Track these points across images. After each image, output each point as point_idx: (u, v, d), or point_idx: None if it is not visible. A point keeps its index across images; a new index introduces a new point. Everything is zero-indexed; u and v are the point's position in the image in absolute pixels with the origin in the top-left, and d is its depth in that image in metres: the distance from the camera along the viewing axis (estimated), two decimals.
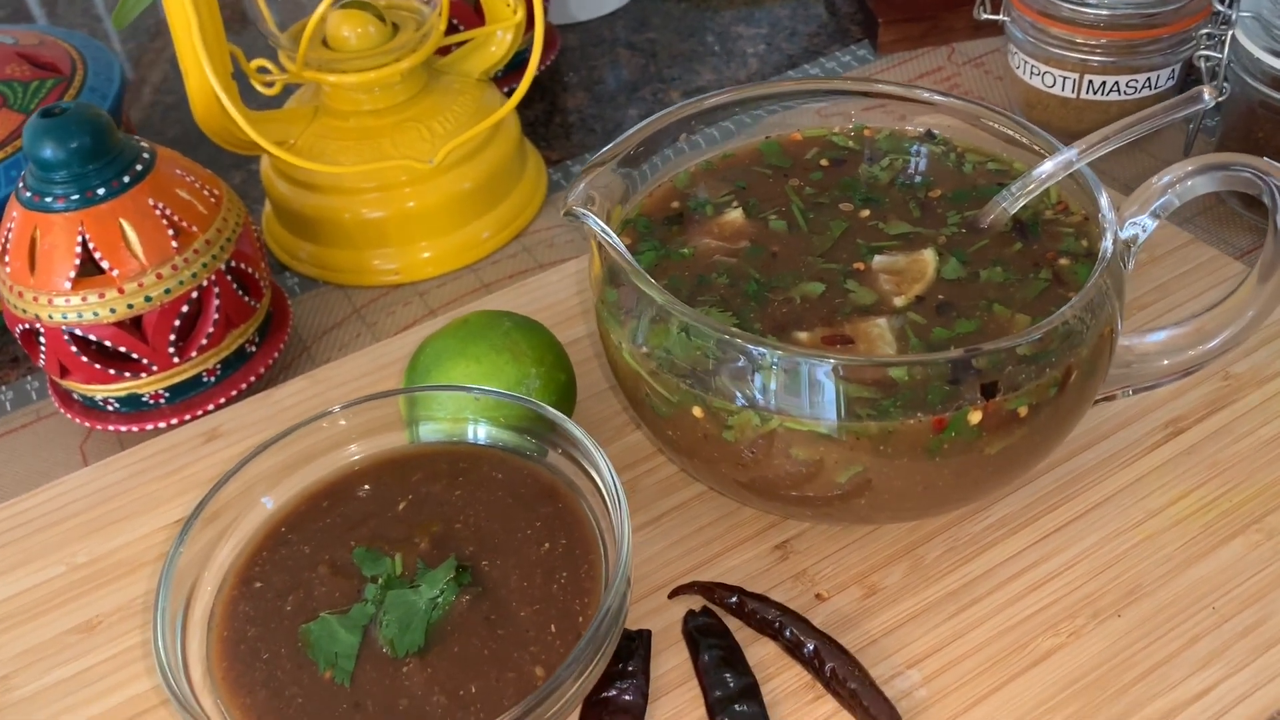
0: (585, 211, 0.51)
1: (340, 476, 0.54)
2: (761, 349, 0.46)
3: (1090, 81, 0.78)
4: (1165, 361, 0.55)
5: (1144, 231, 0.51)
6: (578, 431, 0.51)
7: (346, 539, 0.51)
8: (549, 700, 0.43)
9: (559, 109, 0.95)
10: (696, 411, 0.49)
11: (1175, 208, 0.51)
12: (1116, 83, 0.78)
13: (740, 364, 0.47)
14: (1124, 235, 0.51)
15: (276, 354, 0.71)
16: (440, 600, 0.48)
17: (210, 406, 0.68)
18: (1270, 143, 0.71)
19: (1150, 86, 0.78)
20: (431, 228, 0.79)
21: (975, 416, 0.46)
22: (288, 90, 0.84)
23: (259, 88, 0.77)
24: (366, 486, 0.53)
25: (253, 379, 0.69)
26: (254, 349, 0.70)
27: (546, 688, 0.42)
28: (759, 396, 0.47)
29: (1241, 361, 0.63)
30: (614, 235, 0.50)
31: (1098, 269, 0.48)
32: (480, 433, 0.55)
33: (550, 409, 0.52)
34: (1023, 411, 0.47)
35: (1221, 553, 0.54)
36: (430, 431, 0.55)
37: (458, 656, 0.46)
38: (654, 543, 0.57)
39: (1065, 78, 0.79)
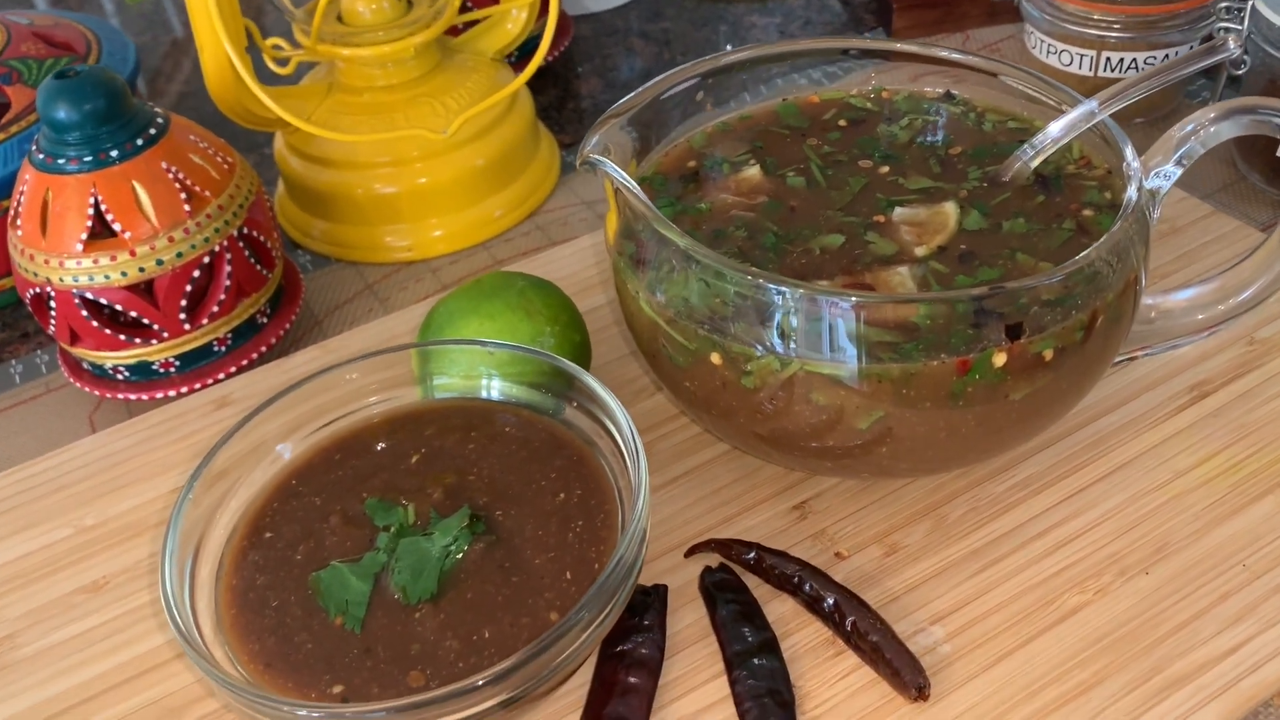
0: (601, 158, 0.50)
1: (352, 431, 0.53)
2: (781, 288, 0.45)
3: (1108, 58, 0.78)
4: (1189, 319, 0.54)
5: (1168, 180, 0.50)
6: (595, 384, 0.50)
7: (358, 490, 0.50)
8: (561, 642, 0.41)
9: (572, 95, 0.94)
10: (715, 358, 0.48)
11: (1200, 155, 0.50)
12: (1135, 59, 0.77)
13: (759, 307, 0.46)
14: (1149, 185, 0.51)
15: (288, 326, 0.70)
16: (453, 548, 0.47)
17: (220, 375, 0.67)
18: None
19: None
20: (444, 204, 0.78)
21: (1000, 359, 0.45)
22: (301, 72, 0.84)
23: (273, 66, 0.76)
24: (379, 441, 0.53)
25: (264, 349, 0.69)
26: (265, 319, 0.70)
27: (558, 629, 0.41)
28: (779, 341, 0.46)
29: (1267, 327, 0.62)
30: (632, 181, 0.49)
31: (1124, 213, 0.48)
32: (494, 388, 0.54)
33: (566, 361, 0.51)
34: (1048, 355, 0.46)
35: (1252, 511, 0.53)
36: (443, 387, 0.55)
37: (471, 603, 0.45)
38: (671, 503, 0.56)
39: (1082, 55, 0.79)
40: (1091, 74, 0.79)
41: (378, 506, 0.49)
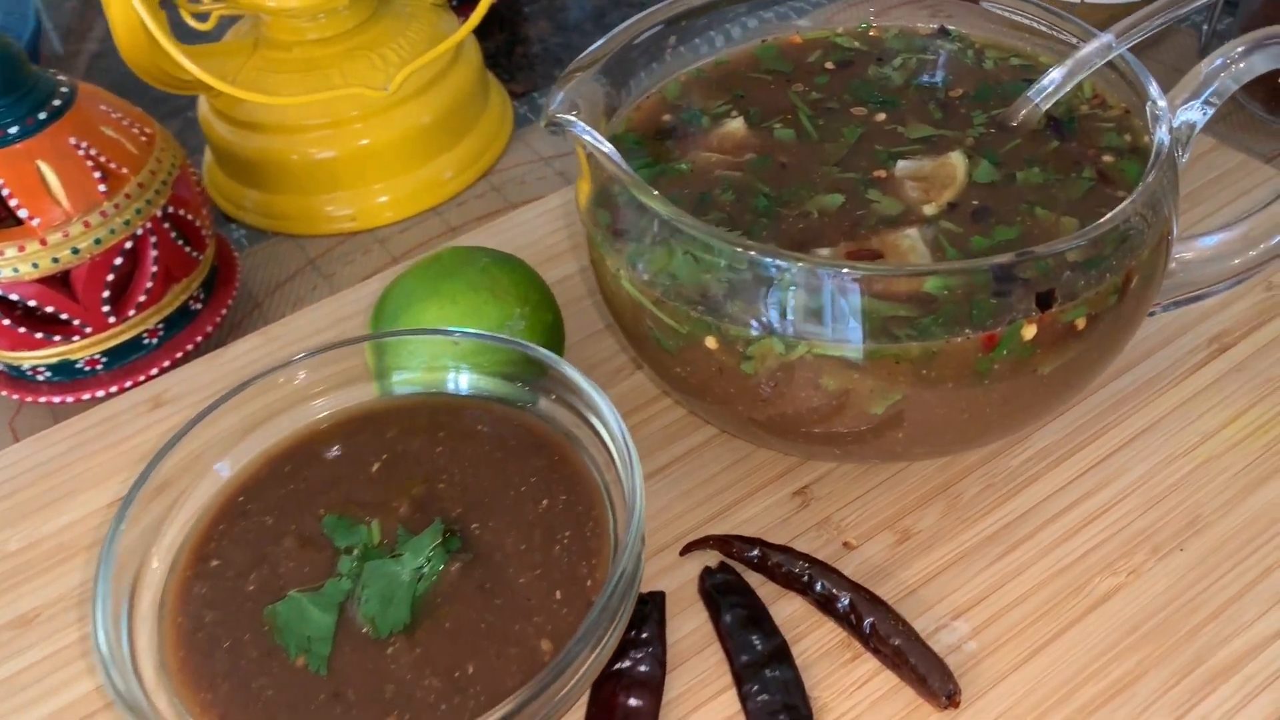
0: (570, 118, 0.44)
1: (303, 438, 0.48)
2: (783, 263, 0.40)
3: None
4: (1216, 266, 0.50)
5: (1199, 120, 0.46)
6: (575, 374, 0.45)
7: (314, 506, 0.45)
8: (562, 678, 0.37)
9: (520, 39, 0.88)
10: (710, 343, 0.43)
11: (1232, 92, 0.45)
12: None
13: (758, 284, 0.41)
14: (1176, 122, 0.46)
15: (224, 311, 0.64)
16: (426, 570, 0.41)
17: (154, 371, 0.61)
18: None
19: None
20: (388, 167, 0.72)
21: (1030, 331, 0.40)
22: (224, 27, 0.76)
23: (191, 22, 0.69)
24: (335, 447, 0.47)
25: (199, 339, 0.63)
26: (199, 306, 0.63)
27: (558, 663, 0.37)
28: (781, 321, 0.41)
29: None
30: (605, 142, 0.44)
31: (1154, 162, 0.43)
32: (461, 381, 0.49)
33: (542, 350, 0.46)
34: (1080, 324, 0.41)
35: None
36: (404, 383, 0.49)
37: (450, 633, 0.40)
38: (661, 495, 0.51)
39: None
40: None
41: (337, 524, 0.43)
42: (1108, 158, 0.47)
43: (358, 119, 0.70)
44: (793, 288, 0.40)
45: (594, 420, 0.44)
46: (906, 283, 0.40)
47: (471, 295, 0.50)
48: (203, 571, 0.43)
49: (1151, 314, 0.51)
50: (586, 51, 0.50)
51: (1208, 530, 0.47)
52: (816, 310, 0.40)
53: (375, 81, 0.67)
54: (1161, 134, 0.44)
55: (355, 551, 0.42)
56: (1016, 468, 0.50)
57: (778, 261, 0.40)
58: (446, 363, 0.48)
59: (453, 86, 0.73)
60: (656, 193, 0.42)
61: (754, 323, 0.41)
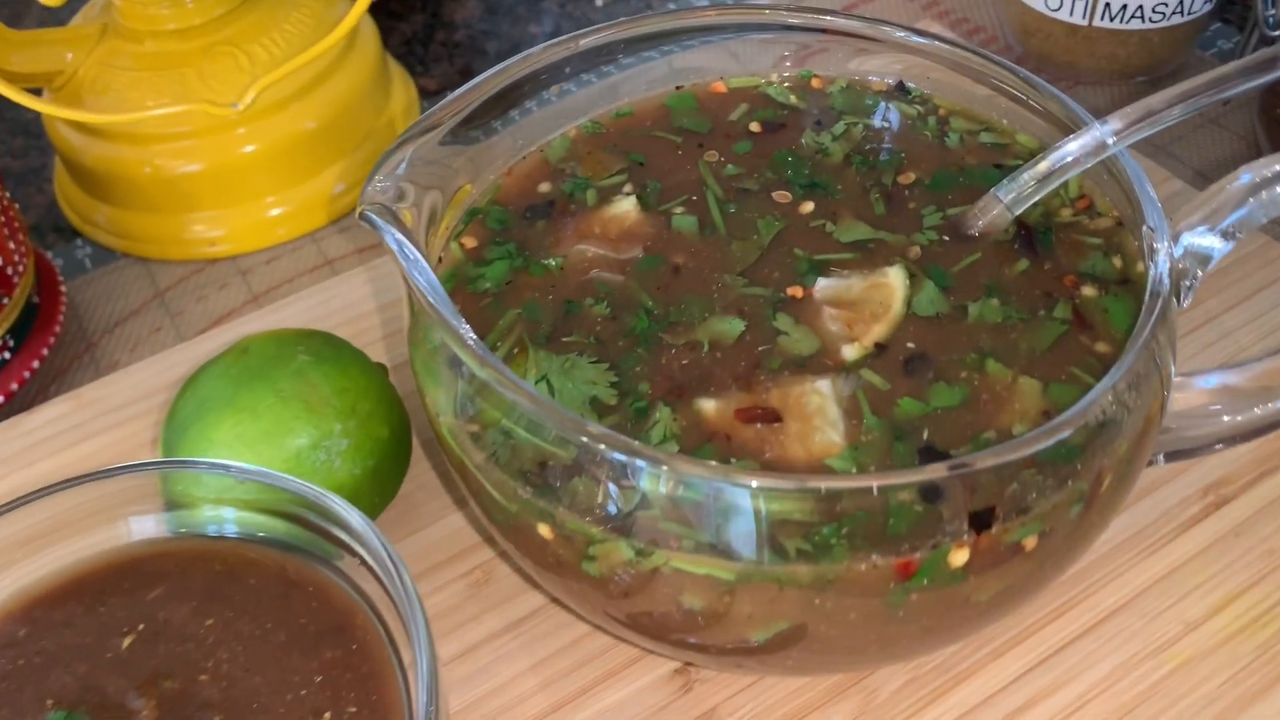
0: (382, 221, 0.34)
1: (45, 589, 0.38)
2: (633, 459, 0.29)
3: (1107, 4, 0.61)
4: (1217, 420, 0.39)
5: (1215, 253, 0.35)
6: (368, 530, 0.35)
7: (42, 692, 0.35)
8: None
9: (443, 23, 0.76)
10: (543, 530, 0.32)
11: (1261, 224, 0.35)
12: (1140, 6, 0.61)
13: (604, 472, 0.30)
14: (1179, 254, 0.35)
15: (37, 364, 0.54)
16: None
17: None
18: None
19: (1182, 12, 0.61)
20: (262, 182, 0.61)
21: (960, 557, 0.30)
22: (77, 5, 0.65)
23: None
24: (85, 605, 0.37)
25: (9, 393, 0.52)
26: (8, 355, 0.53)
27: None
28: (632, 521, 0.31)
29: None
30: (419, 255, 0.33)
31: (1146, 321, 0.32)
32: (250, 526, 0.38)
33: (335, 500, 0.35)
34: (1030, 544, 0.31)
35: None
36: (187, 522, 0.39)
37: None
38: (507, 663, 0.41)
39: None
40: (1085, 22, 0.62)
41: None
42: (1088, 289, 0.37)
43: (222, 128, 0.59)
44: (644, 481, 0.30)
45: (394, 596, 0.34)
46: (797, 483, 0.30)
47: (279, 408, 0.40)
48: None
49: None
50: (441, 104, 0.39)
51: None
52: (676, 514, 0.30)
53: (228, 93, 0.56)
54: (1161, 274, 0.34)
55: None
56: (950, 659, 0.40)
57: (625, 457, 0.29)
58: (233, 503, 0.38)
59: (344, 86, 0.62)
60: (472, 338, 0.31)
61: (598, 518, 0.31)
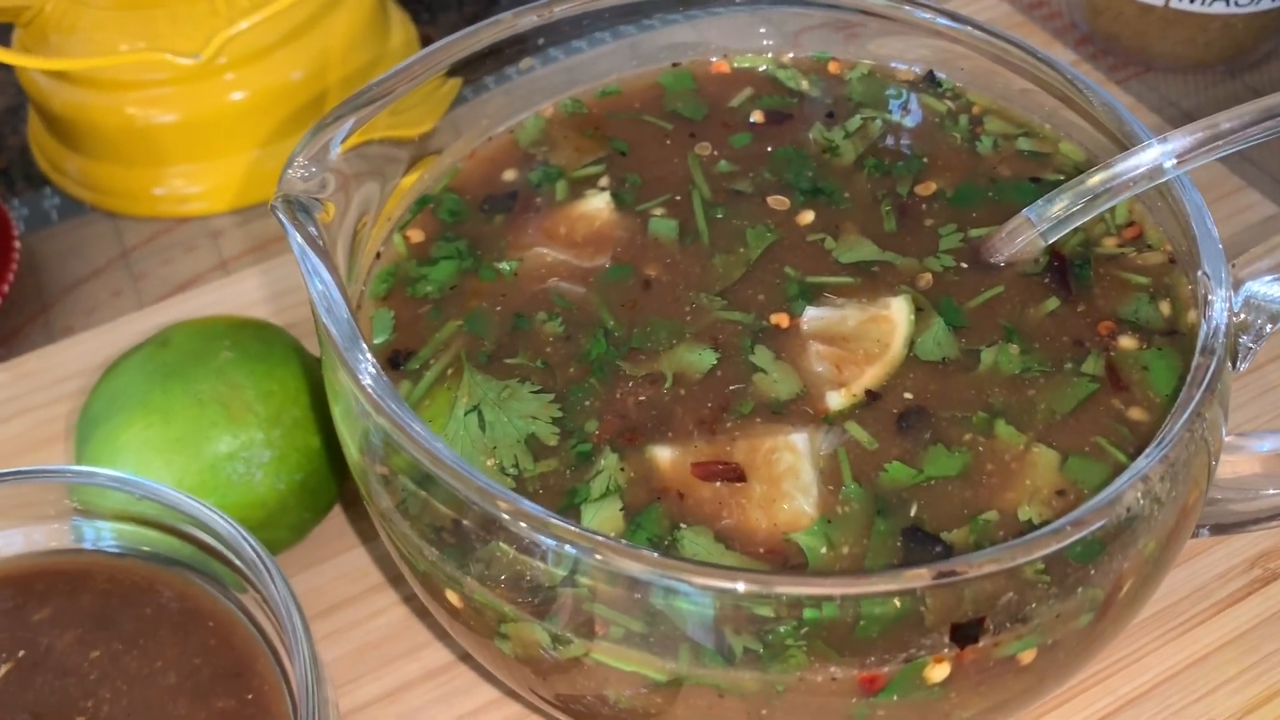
0: (288, 220, 0.29)
1: None
2: (551, 541, 0.24)
3: None
4: (1266, 496, 0.34)
5: (1275, 311, 0.29)
6: (259, 564, 0.30)
7: None
8: None
9: None
10: (452, 597, 0.28)
11: None
12: None
13: (519, 543, 0.26)
14: (1238, 304, 0.29)
15: None
16: None
17: None
18: None
19: None
20: (243, 136, 0.56)
21: (939, 672, 0.25)
22: None
23: None
24: None
25: None
26: None
27: None
28: (551, 602, 0.26)
29: None
30: (322, 265, 0.28)
31: (1193, 388, 0.27)
32: (151, 545, 0.34)
33: (235, 530, 0.31)
34: (1026, 657, 0.26)
35: None
36: (93, 531, 0.35)
37: None
38: (441, 707, 0.37)
39: None
40: (1161, 2, 0.55)
41: None
42: (1127, 340, 0.31)
43: (200, 75, 0.54)
44: (563, 566, 0.25)
45: (287, 643, 0.30)
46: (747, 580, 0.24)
47: (195, 412, 0.35)
48: None
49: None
50: (382, 76, 0.34)
51: None
52: (602, 595, 0.25)
53: (207, 32, 0.51)
54: (1213, 324, 0.28)
55: None
56: None
57: (545, 538, 0.24)
58: (136, 519, 0.34)
59: (337, 31, 0.57)
60: (371, 372, 0.26)
61: (507, 595, 0.26)
